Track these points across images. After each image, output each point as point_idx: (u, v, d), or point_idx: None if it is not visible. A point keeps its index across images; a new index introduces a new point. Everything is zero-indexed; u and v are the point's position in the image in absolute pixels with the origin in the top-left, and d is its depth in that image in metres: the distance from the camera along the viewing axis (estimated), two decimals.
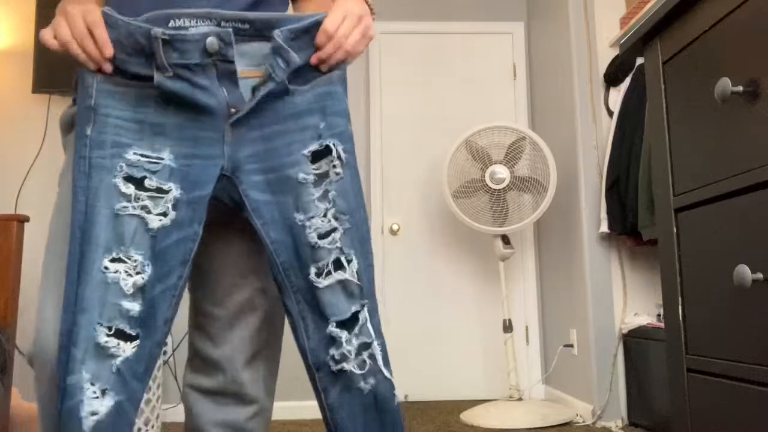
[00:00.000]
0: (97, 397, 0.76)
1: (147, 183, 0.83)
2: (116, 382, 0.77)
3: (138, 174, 0.82)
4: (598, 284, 2.81)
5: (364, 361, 0.87)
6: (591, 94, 2.93)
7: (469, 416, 2.85)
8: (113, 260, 0.80)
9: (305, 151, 0.87)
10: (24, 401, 2.29)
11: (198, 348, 0.99)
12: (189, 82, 0.83)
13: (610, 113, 2.90)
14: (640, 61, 2.72)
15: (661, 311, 2.57)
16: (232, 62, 0.84)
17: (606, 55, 2.93)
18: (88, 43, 0.85)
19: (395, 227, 3.59)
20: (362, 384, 0.86)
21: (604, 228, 2.73)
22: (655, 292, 2.79)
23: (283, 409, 2.97)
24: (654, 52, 1.23)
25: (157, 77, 0.82)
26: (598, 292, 2.81)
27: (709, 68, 1.05)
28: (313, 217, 0.86)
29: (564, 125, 3.12)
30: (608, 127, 2.86)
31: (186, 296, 0.96)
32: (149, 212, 0.82)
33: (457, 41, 3.77)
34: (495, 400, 3.11)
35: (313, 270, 0.86)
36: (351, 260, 0.87)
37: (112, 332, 0.78)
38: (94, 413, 0.75)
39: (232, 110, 0.85)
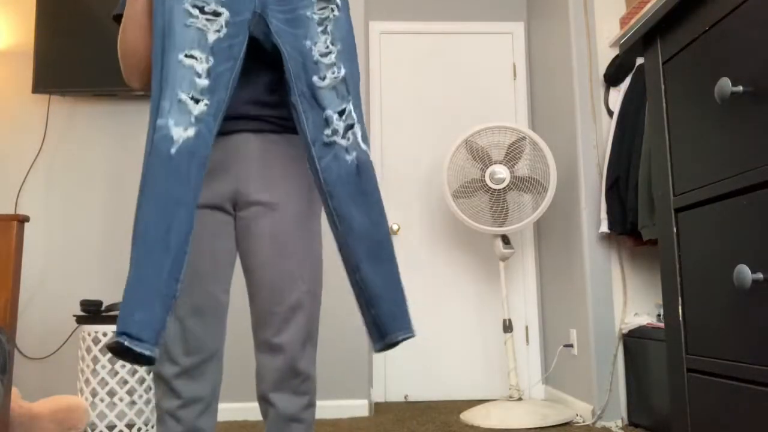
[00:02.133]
0: (180, 129, 1.06)
1: (206, 8, 1.14)
2: (194, 122, 1.08)
3: (199, 3, 1.13)
4: (598, 284, 2.81)
5: (348, 138, 1.18)
6: (591, 94, 2.93)
7: (469, 416, 2.85)
8: (186, 56, 1.10)
9: None
10: (24, 401, 2.29)
11: (264, 338, 1.26)
12: None
13: (610, 113, 2.90)
14: (640, 61, 2.72)
15: (661, 311, 2.57)
16: None
17: (606, 55, 2.93)
18: None
19: (395, 227, 3.59)
20: (346, 155, 1.17)
21: (604, 228, 2.73)
22: (655, 292, 2.79)
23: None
24: (654, 52, 1.23)
25: None
26: (598, 292, 2.81)
27: (709, 68, 1.05)
28: (317, 43, 1.18)
29: (564, 125, 3.12)
30: (608, 127, 2.86)
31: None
32: (209, 29, 1.13)
33: (457, 41, 3.77)
34: (495, 400, 3.10)
35: (315, 77, 1.17)
36: (342, 69, 1.19)
37: (189, 96, 1.08)
38: (179, 135, 1.06)
39: None
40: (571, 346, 3.02)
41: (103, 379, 2.58)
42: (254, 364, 1.28)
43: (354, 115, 1.19)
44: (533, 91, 3.69)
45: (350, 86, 1.19)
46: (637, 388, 2.65)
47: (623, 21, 2.90)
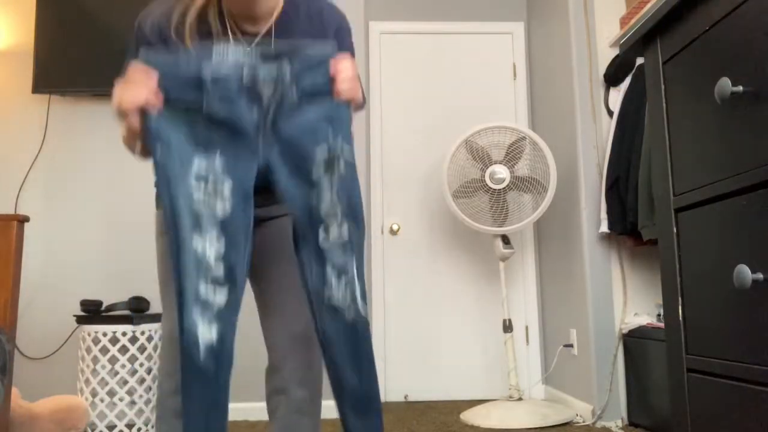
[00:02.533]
0: (206, 329, 1.07)
1: (210, 179, 1.11)
2: (216, 320, 1.08)
3: (203, 173, 1.10)
4: (598, 284, 2.81)
5: (346, 299, 1.17)
6: (591, 94, 2.93)
7: (469, 416, 2.85)
8: (198, 236, 1.09)
9: (318, 155, 1.15)
10: (24, 401, 2.29)
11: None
12: (229, 107, 1.10)
13: (610, 113, 2.90)
14: (640, 61, 2.72)
15: (661, 311, 2.57)
16: (259, 87, 1.11)
17: (606, 55, 2.93)
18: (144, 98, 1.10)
19: (395, 227, 3.59)
20: (345, 316, 1.16)
21: (604, 228, 2.73)
22: (655, 292, 2.79)
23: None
24: (654, 52, 1.23)
25: (206, 105, 1.10)
26: (598, 292, 2.81)
27: (709, 68, 1.05)
28: (322, 201, 1.16)
29: (564, 125, 3.12)
30: (608, 127, 2.86)
31: None
32: (215, 202, 1.11)
33: (457, 41, 3.77)
34: (495, 400, 3.10)
35: (321, 233, 1.16)
36: (346, 227, 1.17)
37: (208, 288, 1.08)
38: (205, 340, 1.07)
39: (262, 120, 1.13)
40: (571, 346, 3.02)
41: (103, 379, 2.58)
42: (260, 365, 1.30)
43: (355, 275, 1.18)
44: (533, 91, 3.69)
45: (354, 244, 1.19)
46: (637, 388, 2.65)
47: (623, 21, 2.90)
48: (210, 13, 1.20)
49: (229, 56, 1.10)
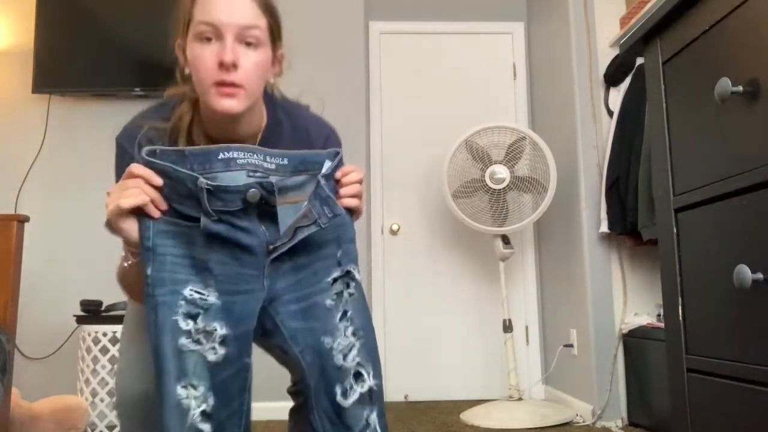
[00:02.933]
0: None
1: (199, 321, 0.91)
2: None
3: (194, 311, 0.90)
4: (598, 284, 2.81)
5: None
6: (591, 94, 2.93)
7: (469, 416, 2.85)
8: (184, 387, 0.88)
9: (329, 278, 0.99)
10: (24, 401, 2.29)
11: None
12: (231, 224, 0.91)
13: (610, 113, 2.90)
14: (640, 61, 2.72)
15: (661, 311, 2.57)
16: (274, 206, 0.93)
17: (606, 55, 2.93)
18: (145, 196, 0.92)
19: (395, 227, 3.58)
20: None
21: (604, 228, 2.73)
22: (655, 292, 2.79)
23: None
24: (654, 52, 1.23)
25: (203, 220, 0.91)
26: (598, 292, 2.81)
27: (709, 68, 1.05)
28: (337, 338, 0.97)
29: (564, 125, 3.12)
30: (608, 127, 2.86)
31: None
32: (204, 348, 0.90)
33: (457, 41, 3.77)
34: (495, 400, 3.10)
35: (338, 390, 0.97)
36: (368, 372, 0.99)
37: None
38: None
39: (271, 247, 0.94)
40: (571, 346, 3.02)
41: (103, 379, 2.58)
42: (275, 363, 1.23)
43: (378, 427, 0.99)
44: (533, 91, 3.69)
45: (375, 396, 0.99)
46: (637, 388, 2.65)
47: (623, 21, 2.89)
48: (194, 135, 1.11)
49: (238, 157, 0.92)
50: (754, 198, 0.94)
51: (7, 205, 3.06)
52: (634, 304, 2.80)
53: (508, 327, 3.02)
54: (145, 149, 0.91)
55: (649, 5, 2.65)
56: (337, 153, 1.04)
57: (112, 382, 2.59)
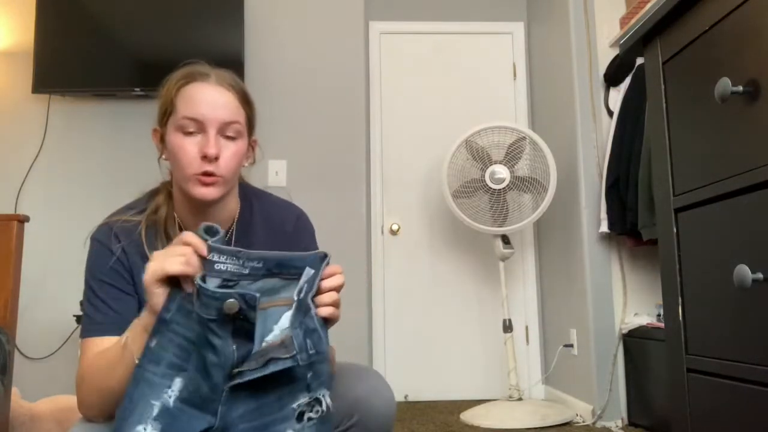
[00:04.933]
0: None
1: (164, 407, 0.84)
2: None
3: (167, 404, 0.84)
4: (598, 284, 2.81)
5: None
6: (591, 94, 2.93)
7: (469, 416, 2.85)
8: None
9: (294, 405, 0.87)
10: (24, 401, 2.29)
11: None
12: (209, 329, 0.85)
13: (610, 113, 2.90)
14: (640, 61, 2.72)
15: (661, 311, 2.57)
16: (252, 323, 0.84)
17: (606, 55, 2.93)
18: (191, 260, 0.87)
19: (395, 227, 3.58)
20: None
21: (604, 228, 2.73)
22: (655, 292, 2.79)
23: None
24: (654, 52, 1.23)
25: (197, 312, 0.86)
26: (598, 292, 2.81)
27: (709, 68, 1.05)
28: None
29: (564, 125, 3.12)
30: (608, 127, 2.86)
31: None
32: None
33: (457, 41, 3.77)
34: (495, 400, 3.10)
35: None
36: None
37: None
38: None
39: (235, 371, 0.84)
40: (571, 346, 3.02)
41: None
42: None
43: None
44: (533, 91, 3.69)
45: None
46: (637, 388, 2.65)
47: (623, 21, 2.90)
48: (168, 226, 1.12)
49: (227, 266, 0.86)
50: (754, 198, 0.94)
51: (7, 205, 3.06)
52: (634, 304, 2.81)
53: (508, 327, 3.02)
54: (202, 227, 0.88)
55: (649, 5, 2.65)
56: (325, 257, 0.92)
57: None
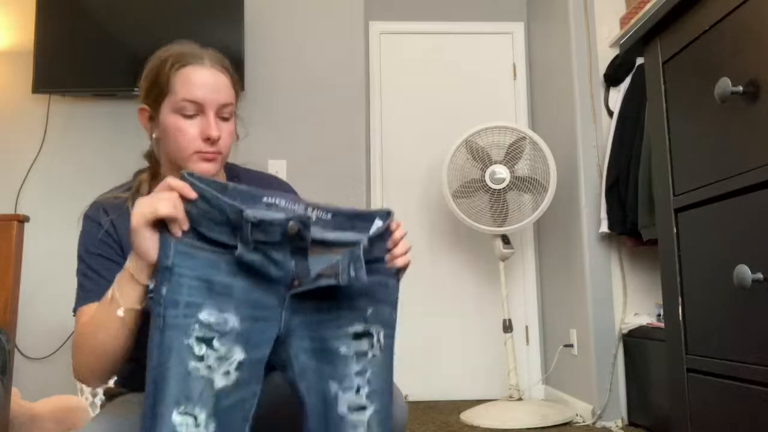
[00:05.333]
0: None
1: (215, 344, 0.87)
2: None
3: (209, 335, 0.87)
4: (598, 284, 2.81)
5: None
6: (591, 94, 2.93)
7: (469, 416, 2.85)
8: (182, 413, 0.83)
9: (350, 329, 0.94)
10: (24, 401, 2.29)
11: None
12: (265, 255, 0.90)
13: (610, 113, 2.90)
14: (640, 61, 2.72)
15: (661, 311, 2.57)
16: (306, 242, 0.91)
17: (606, 55, 2.93)
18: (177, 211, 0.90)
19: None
20: None
21: (604, 228, 2.73)
22: (655, 292, 2.79)
23: None
24: (654, 52, 1.23)
25: (240, 249, 0.89)
26: (598, 292, 2.81)
27: (709, 68, 1.05)
28: (346, 391, 0.92)
29: (564, 125, 3.12)
30: (608, 127, 2.86)
31: None
32: (215, 373, 0.86)
33: (457, 41, 3.77)
34: (495, 400, 3.10)
35: None
36: None
37: None
38: None
39: (295, 282, 0.92)
40: (571, 346, 3.02)
41: None
42: None
43: None
44: (533, 91, 3.69)
45: None
46: (637, 388, 2.65)
47: (623, 21, 2.90)
48: None
49: (281, 203, 0.93)
50: (754, 198, 0.94)
51: (7, 205, 3.06)
52: (634, 304, 2.81)
53: (508, 327, 3.02)
54: (185, 172, 0.91)
55: (649, 5, 2.65)
56: (389, 213, 0.98)
57: (111, 382, 2.58)
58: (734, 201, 0.98)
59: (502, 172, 2.97)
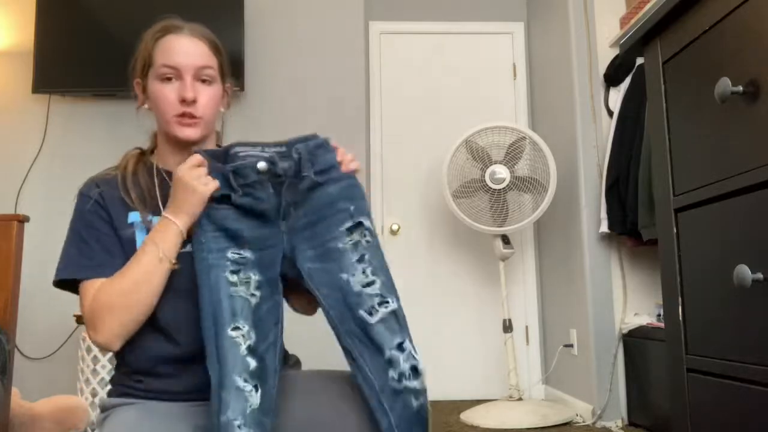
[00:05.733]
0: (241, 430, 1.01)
1: (241, 274, 1.09)
2: (251, 419, 1.02)
3: (236, 267, 1.10)
4: (598, 284, 2.81)
5: (421, 381, 1.06)
6: (591, 94, 2.93)
7: (469, 416, 2.85)
8: (233, 329, 1.06)
9: (342, 228, 1.13)
10: (24, 401, 2.29)
11: None
12: (252, 196, 1.11)
13: (610, 113, 2.90)
14: (640, 61, 2.72)
15: (661, 311, 2.57)
16: (280, 175, 1.12)
17: (606, 55, 2.93)
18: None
19: (395, 227, 3.58)
20: (414, 401, 1.05)
21: (604, 228, 2.73)
22: (655, 292, 2.79)
23: None
24: (654, 52, 1.23)
25: (233, 197, 1.11)
26: (598, 292, 2.81)
27: (709, 68, 1.05)
28: (354, 274, 1.10)
29: (564, 125, 3.12)
30: (608, 127, 2.86)
31: None
32: (247, 293, 1.09)
33: (457, 41, 3.77)
34: (495, 400, 3.10)
35: (362, 312, 1.08)
36: (390, 302, 1.11)
37: (243, 380, 1.03)
38: None
39: (291, 210, 1.13)
40: (571, 346, 3.02)
41: (103, 379, 2.58)
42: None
43: (414, 353, 1.08)
44: (533, 91, 3.69)
45: (400, 320, 1.10)
46: (637, 388, 2.65)
47: (623, 21, 2.90)
48: (140, 174, 1.23)
49: (247, 153, 1.12)
50: (754, 198, 0.94)
51: (7, 205, 3.06)
52: (634, 304, 2.81)
53: (508, 327, 3.02)
54: (195, 148, 1.13)
55: (649, 5, 2.65)
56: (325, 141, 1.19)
57: (103, 393, 2.59)
58: (734, 201, 0.98)
59: (502, 172, 2.97)
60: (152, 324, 1.13)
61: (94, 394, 2.58)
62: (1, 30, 3.19)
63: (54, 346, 2.97)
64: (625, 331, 2.72)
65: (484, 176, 2.98)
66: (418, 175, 3.65)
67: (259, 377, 1.05)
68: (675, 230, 1.15)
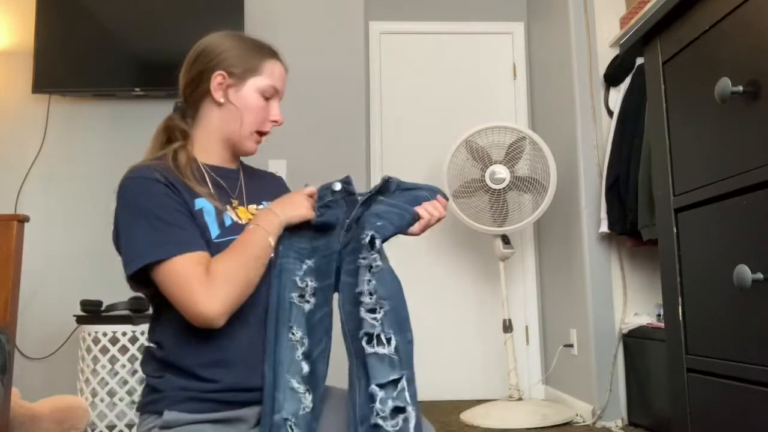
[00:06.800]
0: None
1: (301, 281, 1.15)
2: (303, 421, 1.05)
3: (301, 273, 1.15)
4: (598, 284, 2.81)
5: (398, 423, 1.05)
6: (591, 94, 2.93)
7: (469, 416, 2.85)
8: (290, 333, 1.10)
9: (365, 240, 1.16)
10: (24, 401, 2.29)
11: None
12: (325, 216, 1.19)
13: (610, 113, 2.90)
14: (640, 61, 2.72)
15: (661, 311, 2.57)
16: (353, 193, 1.21)
17: (606, 55, 2.93)
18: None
19: None
20: None
21: (604, 228, 2.73)
22: (655, 292, 2.79)
23: None
24: (654, 52, 1.23)
25: (313, 219, 1.18)
26: (598, 292, 2.81)
27: (709, 68, 1.05)
28: (362, 292, 1.11)
29: (564, 125, 3.12)
30: (608, 127, 2.86)
31: None
32: (303, 300, 1.14)
33: (458, 41, 3.77)
34: (495, 400, 3.10)
35: (364, 338, 1.09)
36: (390, 338, 1.09)
37: (297, 382, 1.07)
38: None
39: (347, 222, 1.20)
40: (571, 346, 3.02)
41: (103, 379, 2.58)
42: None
43: (407, 394, 1.09)
44: (533, 91, 3.69)
45: (402, 354, 1.11)
46: (637, 388, 2.65)
47: (623, 21, 2.90)
48: (193, 168, 1.24)
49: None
50: (754, 198, 0.94)
51: (7, 205, 3.06)
52: (634, 304, 2.81)
53: (508, 327, 3.02)
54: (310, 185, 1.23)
55: (649, 5, 2.65)
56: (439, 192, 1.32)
57: (112, 382, 2.59)
58: (734, 201, 0.98)
59: (502, 172, 2.97)
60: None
61: (94, 394, 2.58)
62: (1, 30, 3.19)
63: (54, 346, 2.97)
64: (625, 331, 2.72)
65: (484, 176, 2.98)
66: (418, 175, 3.64)
67: (310, 382, 1.09)
68: (675, 230, 1.15)
